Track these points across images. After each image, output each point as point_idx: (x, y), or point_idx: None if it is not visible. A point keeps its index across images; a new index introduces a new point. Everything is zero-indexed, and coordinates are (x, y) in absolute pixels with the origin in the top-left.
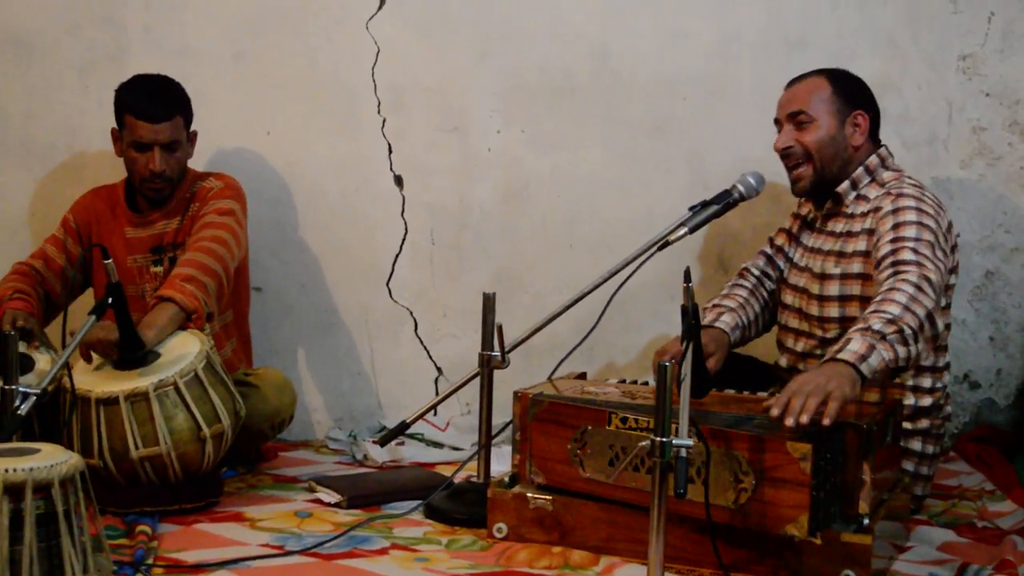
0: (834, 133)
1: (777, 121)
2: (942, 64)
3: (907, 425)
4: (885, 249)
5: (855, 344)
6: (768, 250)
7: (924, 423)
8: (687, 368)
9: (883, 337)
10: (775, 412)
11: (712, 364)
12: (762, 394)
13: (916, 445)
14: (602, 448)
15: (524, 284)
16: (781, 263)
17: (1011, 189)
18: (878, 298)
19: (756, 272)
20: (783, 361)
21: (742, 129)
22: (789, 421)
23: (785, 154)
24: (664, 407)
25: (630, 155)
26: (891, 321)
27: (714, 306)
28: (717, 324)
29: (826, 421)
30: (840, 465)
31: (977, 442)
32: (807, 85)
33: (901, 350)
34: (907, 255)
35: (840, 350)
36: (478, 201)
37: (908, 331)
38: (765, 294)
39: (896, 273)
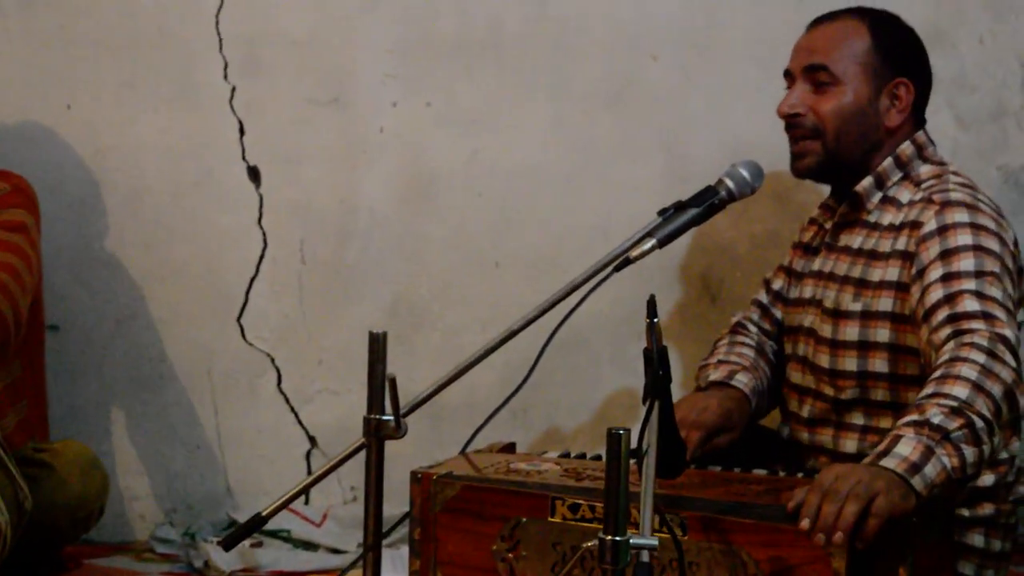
0: (863, 105)
1: (788, 73)
2: (1013, 7)
3: (963, 512)
4: (936, 295)
5: (905, 447)
6: (763, 298)
7: (987, 509)
8: (651, 437)
9: (946, 436)
10: (804, 524)
11: (724, 441)
12: (759, 472)
13: (977, 540)
14: (543, 548)
15: (431, 318)
16: (779, 314)
17: None
18: (937, 374)
19: (754, 328)
20: (785, 431)
21: (734, 99)
22: (819, 539)
23: (791, 122)
24: (618, 492)
25: (581, 136)
26: (956, 412)
27: (720, 363)
28: (732, 383)
29: (859, 545)
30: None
31: None
32: (838, 30)
33: (970, 453)
34: (970, 304)
35: (885, 452)
36: (367, 201)
37: (980, 424)
38: (772, 356)
39: (957, 334)
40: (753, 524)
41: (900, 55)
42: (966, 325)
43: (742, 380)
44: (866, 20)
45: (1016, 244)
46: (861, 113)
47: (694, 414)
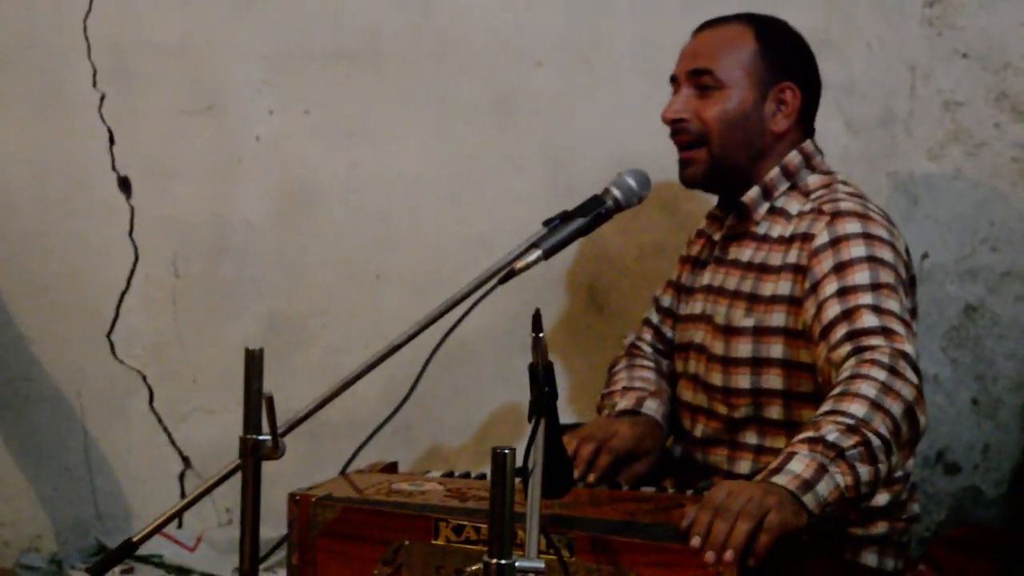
0: (748, 109)
1: (674, 79)
2: (901, 13)
3: (856, 531)
4: (833, 311)
5: (798, 464)
6: (654, 317)
7: (881, 527)
8: (536, 456)
9: (840, 454)
10: (695, 542)
11: (643, 468)
12: (647, 489)
13: (870, 559)
14: (426, 572)
15: (310, 333)
16: (670, 332)
17: (999, 188)
18: (836, 391)
19: (648, 349)
20: (677, 450)
21: (620, 109)
22: (709, 556)
23: (675, 128)
24: (503, 512)
25: (463, 147)
26: (852, 429)
27: (625, 390)
28: (643, 411)
29: (750, 561)
30: None
31: (958, 549)
32: (723, 34)
33: (865, 472)
34: (869, 319)
35: (777, 470)
36: (242, 214)
37: (876, 442)
38: (669, 376)
39: (858, 351)
40: (642, 544)
41: (786, 59)
42: (866, 342)
43: (652, 407)
44: (751, 25)
45: (908, 252)
46: (745, 118)
47: (601, 436)
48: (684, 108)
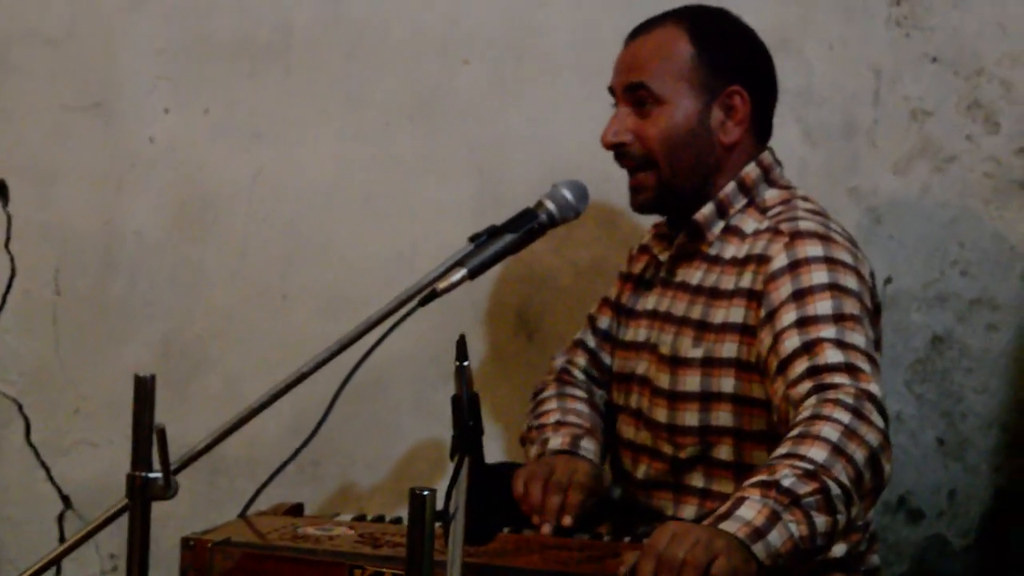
0: (693, 124)
1: (612, 91)
2: (865, 11)
3: None
4: (792, 343)
5: (749, 510)
6: (589, 340)
7: None
8: (459, 498)
9: (795, 501)
10: None
11: (590, 504)
12: (580, 536)
13: None
14: None
15: (209, 359)
16: (608, 358)
17: (971, 207)
18: (794, 433)
19: (581, 376)
20: (616, 492)
21: (555, 113)
22: None
23: (618, 152)
24: (422, 560)
25: (381, 153)
26: (810, 475)
27: (559, 424)
28: (581, 452)
29: None
30: None
31: None
32: (656, 40)
33: (822, 522)
34: (832, 355)
35: (725, 515)
36: (134, 224)
37: (836, 491)
38: (603, 408)
39: (819, 389)
40: None
41: (729, 59)
42: (829, 379)
43: (589, 448)
44: (684, 23)
45: (873, 278)
46: (692, 133)
47: (566, 477)
48: (623, 129)
